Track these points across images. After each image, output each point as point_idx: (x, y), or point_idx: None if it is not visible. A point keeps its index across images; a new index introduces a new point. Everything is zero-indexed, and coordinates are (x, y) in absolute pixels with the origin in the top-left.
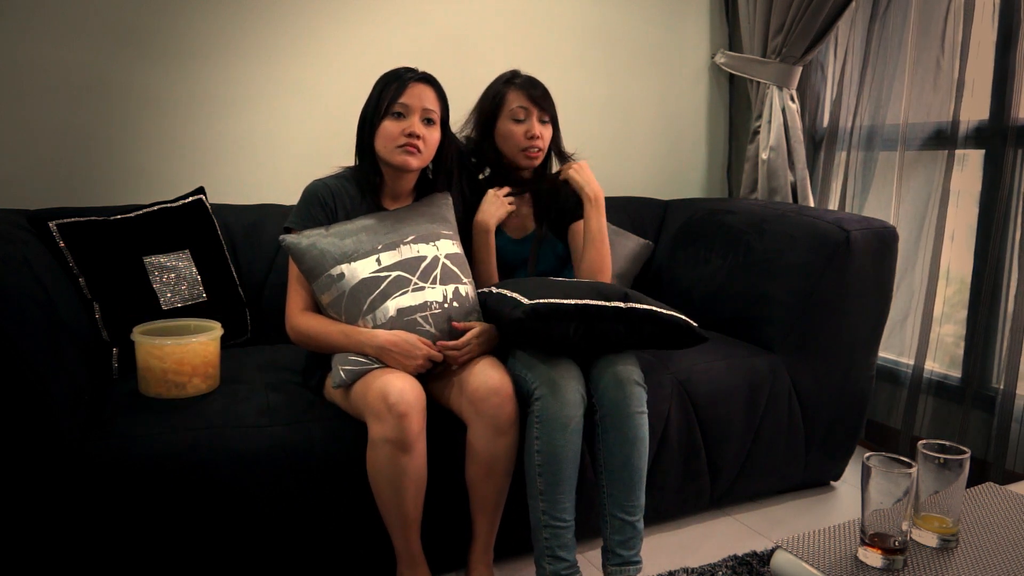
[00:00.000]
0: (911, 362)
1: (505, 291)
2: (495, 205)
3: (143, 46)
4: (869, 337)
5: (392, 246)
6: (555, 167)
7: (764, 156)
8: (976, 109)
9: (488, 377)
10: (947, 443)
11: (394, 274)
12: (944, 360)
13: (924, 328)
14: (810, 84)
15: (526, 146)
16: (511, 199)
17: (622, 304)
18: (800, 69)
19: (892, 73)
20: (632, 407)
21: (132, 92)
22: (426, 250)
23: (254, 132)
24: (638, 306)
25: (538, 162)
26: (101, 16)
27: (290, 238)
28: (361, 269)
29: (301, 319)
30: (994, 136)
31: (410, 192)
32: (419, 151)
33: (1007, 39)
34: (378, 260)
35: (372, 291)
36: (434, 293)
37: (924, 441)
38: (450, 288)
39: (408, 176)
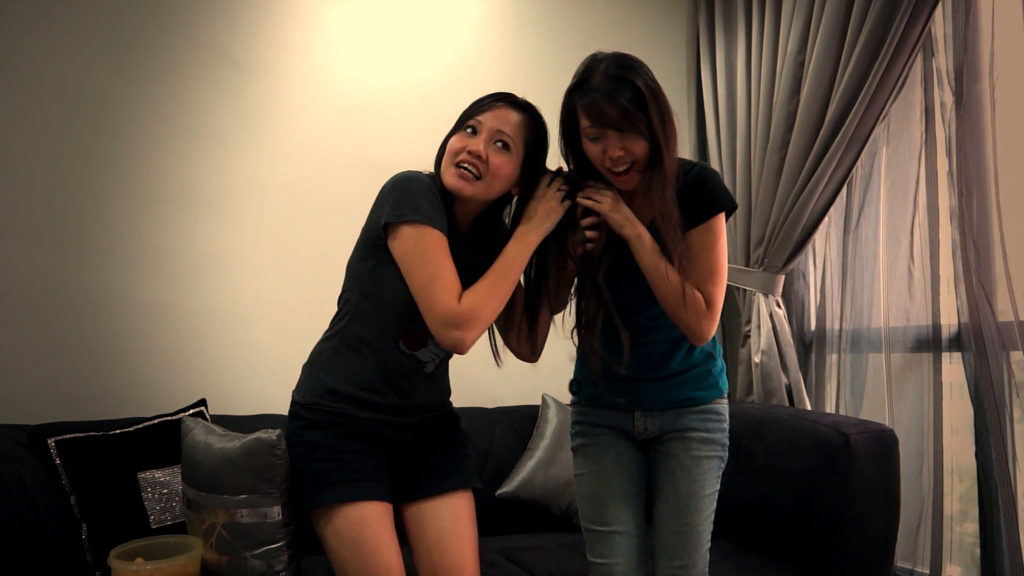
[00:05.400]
0: (927, 571)
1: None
2: (541, 210)
3: (147, 262)
4: (882, 546)
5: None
6: None
7: (757, 359)
8: (954, 311)
9: None
10: None
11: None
12: (966, 561)
13: (936, 531)
14: (794, 291)
15: (608, 167)
16: (594, 194)
17: None
18: (783, 277)
19: (870, 281)
20: None
21: (136, 306)
22: (214, 515)
23: (257, 345)
24: None
25: (634, 183)
26: (103, 233)
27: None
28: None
29: (463, 306)
30: (974, 337)
31: (469, 225)
32: (476, 176)
33: (979, 241)
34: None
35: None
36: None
37: None
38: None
39: (468, 204)
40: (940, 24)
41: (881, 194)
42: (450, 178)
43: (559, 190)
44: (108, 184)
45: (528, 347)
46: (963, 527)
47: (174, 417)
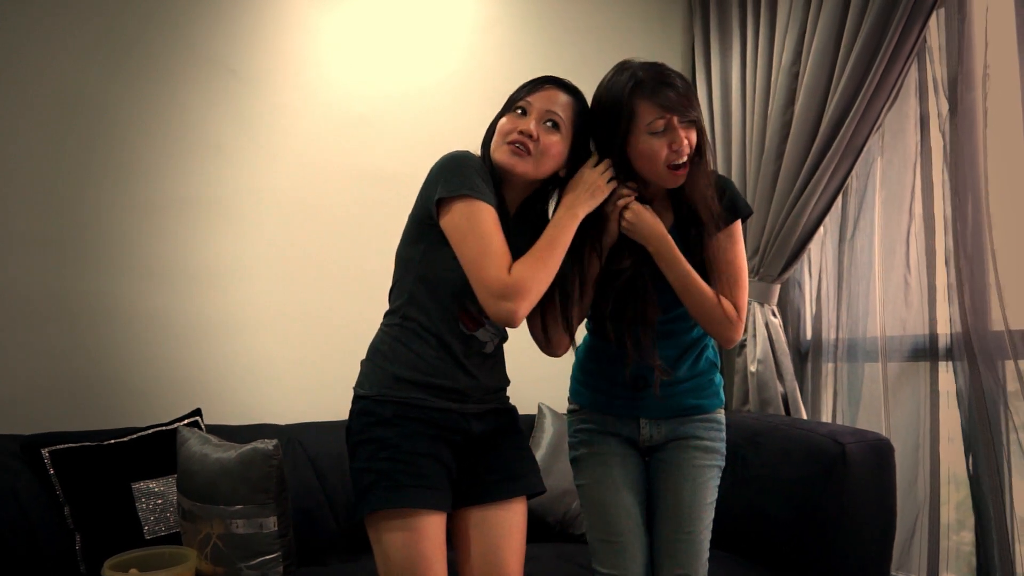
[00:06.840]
0: None
1: None
2: (589, 184)
3: (144, 270)
4: (878, 555)
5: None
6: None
7: (752, 368)
8: (950, 321)
9: None
10: None
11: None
12: (963, 570)
13: (932, 540)
14: (790, 300)
15: (672, 161)
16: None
17: None
18: (778, 287)
19: (865, 290)
20: None
21: (131, 315)
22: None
23: (253, 354)
24: None
25: (684, 178)
26: (100, 241)
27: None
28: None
29: (512, 277)
30: (969, 347)
31: (516, 209)
32: (528, 153)
33: (973, 251)
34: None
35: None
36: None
37: None
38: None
39: (517, 184)
40: (935, 34)
41: (876, 204)
42: (502, 155)
43: (605, 172)
44: (105, 192)
45: (553, 338)
46: (960, 536)
47: (169, 427)
